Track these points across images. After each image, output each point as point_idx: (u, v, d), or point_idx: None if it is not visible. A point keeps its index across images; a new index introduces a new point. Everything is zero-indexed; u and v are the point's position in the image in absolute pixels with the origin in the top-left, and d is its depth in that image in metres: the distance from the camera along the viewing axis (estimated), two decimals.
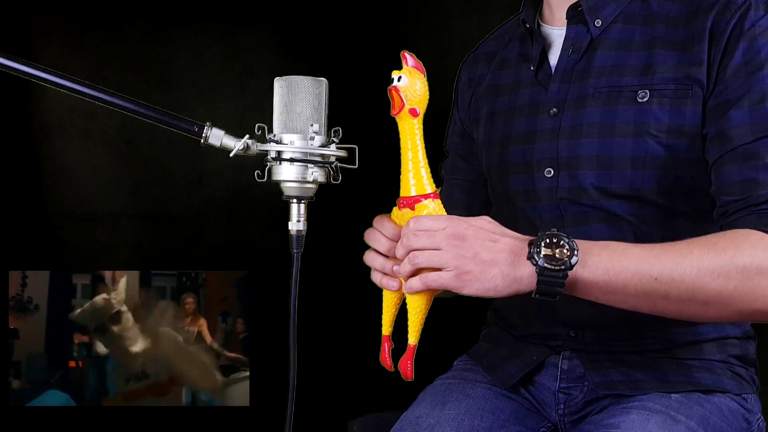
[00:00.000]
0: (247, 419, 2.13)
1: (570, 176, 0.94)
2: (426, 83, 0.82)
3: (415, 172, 0.82)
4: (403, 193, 0.83)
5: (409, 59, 0.82)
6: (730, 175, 0.83)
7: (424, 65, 0.83)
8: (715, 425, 0.89)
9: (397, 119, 0.83)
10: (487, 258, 0.78)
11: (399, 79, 0.81)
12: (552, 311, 0.99)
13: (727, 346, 0.96)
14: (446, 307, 1.17)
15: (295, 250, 0.84)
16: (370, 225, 0.90)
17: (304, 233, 0.84)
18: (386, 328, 0.91)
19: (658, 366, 0.94)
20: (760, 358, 1.01)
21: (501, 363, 1.05)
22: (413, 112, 0.81)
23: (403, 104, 0.81)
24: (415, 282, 0.81)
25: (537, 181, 0.98)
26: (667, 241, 0.80)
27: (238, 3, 2.20)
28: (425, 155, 0.83)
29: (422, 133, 0.83)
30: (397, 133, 0.83)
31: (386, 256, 0.87)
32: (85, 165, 2.23)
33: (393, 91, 0.81)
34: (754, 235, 0.77)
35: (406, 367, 0.87)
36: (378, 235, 0.88)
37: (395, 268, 0.85)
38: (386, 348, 0.91)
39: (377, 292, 0.91)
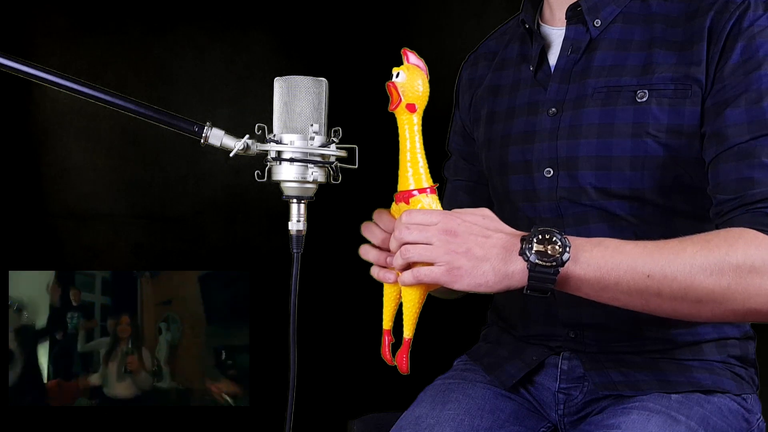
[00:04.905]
0: (247, 419, 2.13)
1: (569, 176, 0.94)
2: (426, 81, 0.82)
3: (413, 167, 0.83)
4: (400, 187, 0.84)
5: (410, 56, 0.83)
6: (725, 173, 0.83)
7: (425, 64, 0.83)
8: (715, 425, 0.89)
9: (396, 114, 0.83)
10: (479, 253, 0.77)
11: (397, 75, 0.82)
12: (552, 312, 0.99)
13: (727, 346, 0.96)
14: (446, 307, 1.17)
15: (295, 250, 0.84)
16: None
17: (304, 233, 0.84)
18: (386, 323, 0.91)
19: (658, 366, 0.94)
20: (759, 358, 1.01)
21: (501, 363, 1.05)
22: (411, 108, 0.82)
23: (400, 99, 0.82)
24: (407, 276, 0.81)
25: (536, 181, 0.98)
26: None
27: (238, 3, 2.20)
28: (423, 151, 0.83)
29: (421, 129, 0.83)
30: (397, 130, 0.84)
31: (381, 249, 0.87)
32: (85, 165, 2.22)
33: (390, 87, 0.82)
34: (748, 234, 0.77)
35: (402, 361, 0.87)
36: (374, 228, 0.88)
37: (388, 259, 0.85)
38: (386, 342, 0.91)
39: (377, 292, 0.91)
